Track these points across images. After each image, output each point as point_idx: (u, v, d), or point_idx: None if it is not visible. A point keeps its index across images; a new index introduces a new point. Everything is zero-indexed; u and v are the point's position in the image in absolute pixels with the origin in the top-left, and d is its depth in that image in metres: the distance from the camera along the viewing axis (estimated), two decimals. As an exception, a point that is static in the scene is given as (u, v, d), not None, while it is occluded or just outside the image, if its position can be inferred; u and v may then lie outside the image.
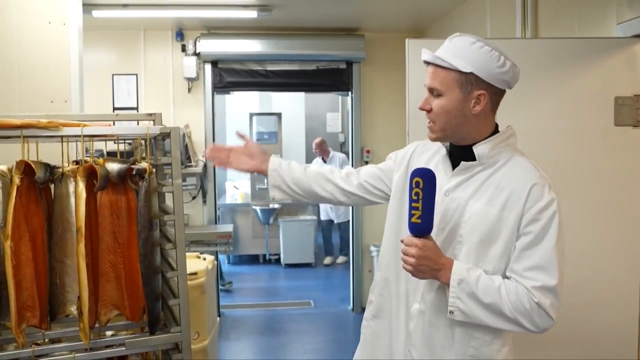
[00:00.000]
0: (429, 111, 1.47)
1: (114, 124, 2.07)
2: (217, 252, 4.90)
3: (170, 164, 1.85)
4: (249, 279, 6.72)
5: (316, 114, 8.62)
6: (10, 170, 1.68)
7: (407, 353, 1.55)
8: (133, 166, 1.79)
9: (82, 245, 1.66)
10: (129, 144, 2.32)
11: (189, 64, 4.98)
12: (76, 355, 1.73)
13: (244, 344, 4.68)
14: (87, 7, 4.06)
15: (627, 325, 2.32)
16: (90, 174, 1.72)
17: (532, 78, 2.34)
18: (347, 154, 6.46)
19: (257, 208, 7.07)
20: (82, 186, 1.69)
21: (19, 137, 1.69)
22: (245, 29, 5.07)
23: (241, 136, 1.80)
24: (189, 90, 5.13)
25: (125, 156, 1.96)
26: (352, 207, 5.26)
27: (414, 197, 1.37)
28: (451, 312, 1.42)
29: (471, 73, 1.40)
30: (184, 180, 4.82)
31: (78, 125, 1.77)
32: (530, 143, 2.25)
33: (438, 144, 1.58)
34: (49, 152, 1.85)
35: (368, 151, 5.36)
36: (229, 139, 7.55)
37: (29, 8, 2.62)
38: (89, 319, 1.70)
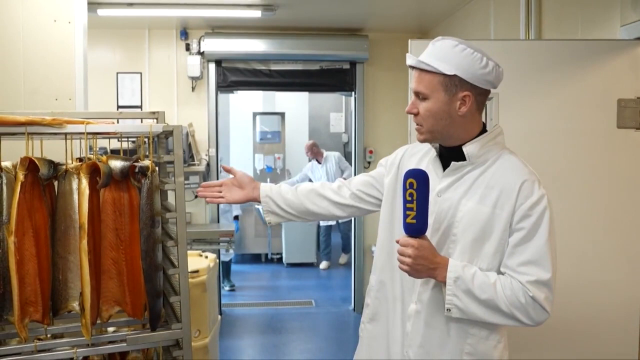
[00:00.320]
0: (416, 114, 1.49)
1: (117, 122, 2.09)
2: (222, 252, 4.88)
3: (172, 162, 1.86)
4: (250, 278, 6.74)
5: (320, 114, 8.62)
6: (14, 166, 1.69)
7: (405, 354, 1.56)
8: (136, 164, 1.80)
9: (84, 242, 1.67)
10: (133, 141, 2.34)
11: (193, 63, 4.99)
12: (78, 350, 1.74)
13: (245, 342, 4.68)
14: (93, 6, 4.07)
15: (628, 326, 2.33)
16: (94, 171, 1.73)
17: (535, 79, 2.35)
18: (350, 154, 6.45)
19: (260, 207, 7.06)
20: (85, 183, 1.70)
21: (23, 134, 1.70)
22: (249, 28, 5.08)
23: (228, 170, 1.82)
24: (193, 89, 5.14)
25: (129, 154, 1.97)
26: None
27: (408, 198, 1.38)
28: (448, 309, 1.43)
29: (455, 75, 1.42)
30: (187, 178, 4.84)
31: (82, 123, 1.78)
32: (533, 144, 2.27)
33: (427, 146, 1.59)
34: (53, 149, 1.86)
35: (371, 151, 5.36)
36: (232, 138, 7.57)
37: (35, 6, 2.63)
38: (91, 314, 1.71)
